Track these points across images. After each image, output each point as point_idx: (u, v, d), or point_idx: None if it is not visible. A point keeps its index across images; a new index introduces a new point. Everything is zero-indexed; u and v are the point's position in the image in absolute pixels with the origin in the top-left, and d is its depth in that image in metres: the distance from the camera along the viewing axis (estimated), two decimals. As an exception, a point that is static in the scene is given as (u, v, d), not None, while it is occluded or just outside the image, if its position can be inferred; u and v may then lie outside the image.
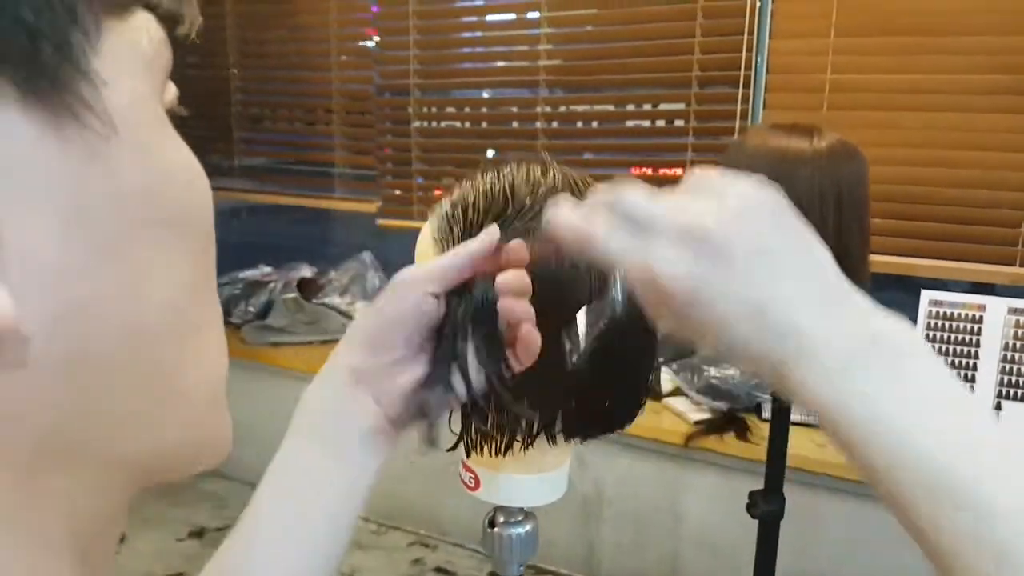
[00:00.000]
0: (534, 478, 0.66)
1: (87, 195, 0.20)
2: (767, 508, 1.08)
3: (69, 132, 0.19)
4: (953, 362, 1.72)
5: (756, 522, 1.80)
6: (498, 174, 0.59)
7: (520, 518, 0.68)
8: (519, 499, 0.67)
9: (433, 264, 0.47)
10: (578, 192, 0.58)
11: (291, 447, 0.47)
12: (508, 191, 0.57)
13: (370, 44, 2.47)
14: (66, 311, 0.20)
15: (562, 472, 0.68)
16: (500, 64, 2.31)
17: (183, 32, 0.26)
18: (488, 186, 0.58)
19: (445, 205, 0.60)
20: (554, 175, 0.59)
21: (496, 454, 0.62)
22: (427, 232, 0.61)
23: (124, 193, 0.21)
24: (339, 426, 0.46)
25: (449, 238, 0.58)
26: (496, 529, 0.68)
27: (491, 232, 0.48)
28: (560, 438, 0.62)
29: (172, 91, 0.25)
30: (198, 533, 2.31)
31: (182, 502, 2.44)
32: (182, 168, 0.24)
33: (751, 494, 1.12)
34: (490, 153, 2.35)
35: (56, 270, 0.19)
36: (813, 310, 0.35)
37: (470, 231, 0.57)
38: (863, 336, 0.35)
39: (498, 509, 0.69)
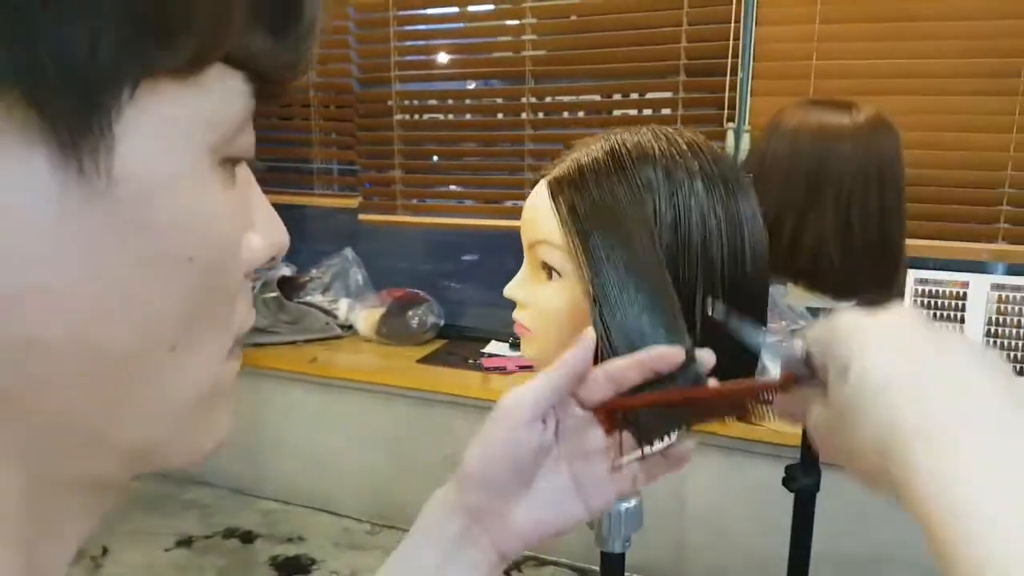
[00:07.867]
0: None
1: (75, 219, 0.21)
2: (805, 481, 1.09)
3: (71, 173, 0.20)
4: (940, 338, 1.77)
5: (761, 504, 1.83)
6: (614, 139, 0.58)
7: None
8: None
9: (534, 389, 0.47)
10: (701, 153, 0.58)
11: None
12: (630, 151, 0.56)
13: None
14: (16, 294, 0.20)
15: None
16: (484, 55, 2.30)
17: (286, 79, 0.27)
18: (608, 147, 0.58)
19: (561, 169, 0.59)
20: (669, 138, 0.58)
21: None
22: (542, 198, 0.60)
23: (119, 231, 0.22)
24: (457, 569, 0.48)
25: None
26: None
27: (585, 343, 0.47)
28: None
29: (247, 142, 0.27)
30: (186, 542, 2.24)
31: (166, 512, 2.36)
32: (200, 220, 0.24)
33: (788, 468, 1.13)
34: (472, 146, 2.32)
35: (22, 254, 0.20)
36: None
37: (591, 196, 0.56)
38: None
39: None
